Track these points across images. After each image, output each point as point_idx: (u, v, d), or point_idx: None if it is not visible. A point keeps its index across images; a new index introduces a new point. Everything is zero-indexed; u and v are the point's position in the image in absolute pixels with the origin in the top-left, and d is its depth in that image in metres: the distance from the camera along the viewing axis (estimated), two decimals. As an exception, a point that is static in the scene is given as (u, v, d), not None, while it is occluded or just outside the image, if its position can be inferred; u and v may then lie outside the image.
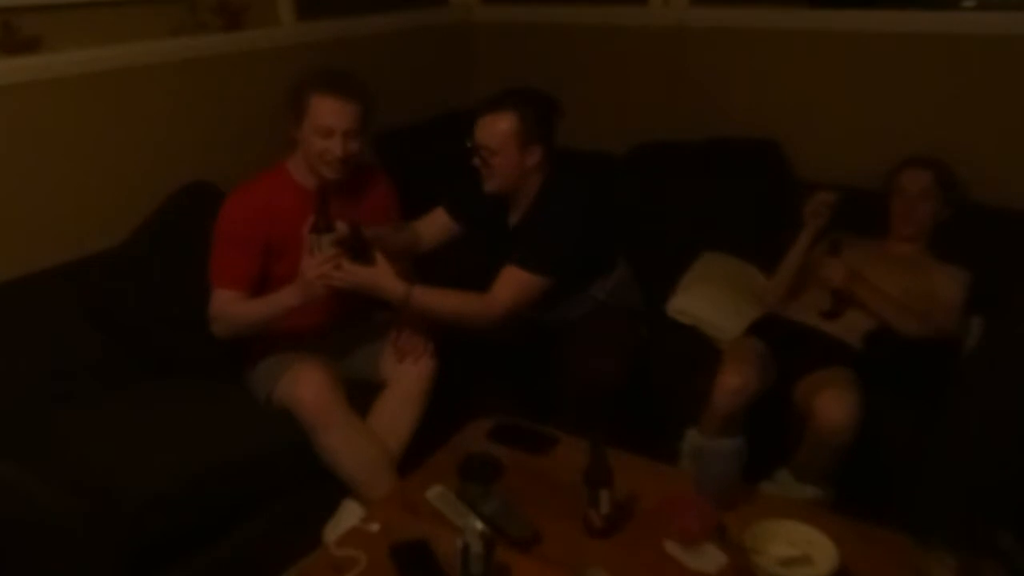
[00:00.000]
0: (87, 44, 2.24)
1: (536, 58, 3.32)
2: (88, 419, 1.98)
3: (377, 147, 2.77)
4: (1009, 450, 1.88)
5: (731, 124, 2.87)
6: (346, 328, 2.30)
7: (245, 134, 2.61)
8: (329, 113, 2.04)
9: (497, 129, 2.11)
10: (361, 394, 2.17)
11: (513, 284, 2.13)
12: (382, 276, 2.03)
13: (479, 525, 1.50)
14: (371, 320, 2.35)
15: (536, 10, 3.29)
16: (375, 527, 1.72)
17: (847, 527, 1.63)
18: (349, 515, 2.05)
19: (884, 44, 2.64)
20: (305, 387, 2.04)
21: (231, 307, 2.10)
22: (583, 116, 2.60)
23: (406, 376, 2.18)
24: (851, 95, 2.73)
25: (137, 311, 2.22)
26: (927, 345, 2.17)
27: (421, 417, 2.18)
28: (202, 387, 2.17)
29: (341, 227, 1.98)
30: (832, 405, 1.91)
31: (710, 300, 2.50)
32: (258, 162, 2.30)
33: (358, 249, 2.02)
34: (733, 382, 2.03)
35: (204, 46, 2.51)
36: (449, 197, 2.41)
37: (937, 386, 2.07)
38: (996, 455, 1.89)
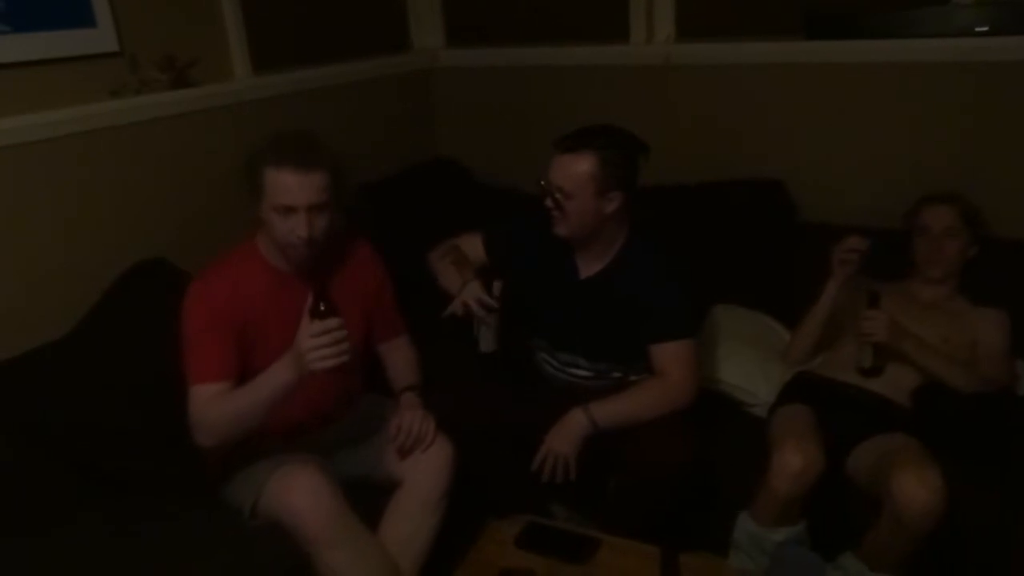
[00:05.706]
0: (10, 112, 1.91)
1: (510, 102, 3.11)
2: (35, 552, 1.61)
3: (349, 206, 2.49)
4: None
5: (729, 165, 2.69)
6: (330, 422, 1.99)
7: (202, 201, 2.31)
8: (288, 190, 1.71)
9: (575, 171, 1.90)
10: (362, 499, 1.82)
11: (681, 358, 1.96)
12: (564, 420, 1.93)
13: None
14: (356, 409, 2.05)
15: (508, 52, 3.07)
16: None
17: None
18: None
19: (888, 74, 2.49)
20: (301, 494, 1.70)
21: (214, 406, 1.73)
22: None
23: (421, 473, 1.87)
24: (857, 129, 2.58)
25: (76, 421, 1.84)
26: (982, 400, 1.98)
27: (440, 525, 1.86)
28: (169, 507, 1.81)
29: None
30: (916, 486, 1.67)
31: (734, 360, 2.28)
32: (218, 232, 2.01)
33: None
34: (795, 464, 1.79)
35: (149, 106, 2.20)
36: (489, 230, 2.20)
37: (1004, 448, 1.88)
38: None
